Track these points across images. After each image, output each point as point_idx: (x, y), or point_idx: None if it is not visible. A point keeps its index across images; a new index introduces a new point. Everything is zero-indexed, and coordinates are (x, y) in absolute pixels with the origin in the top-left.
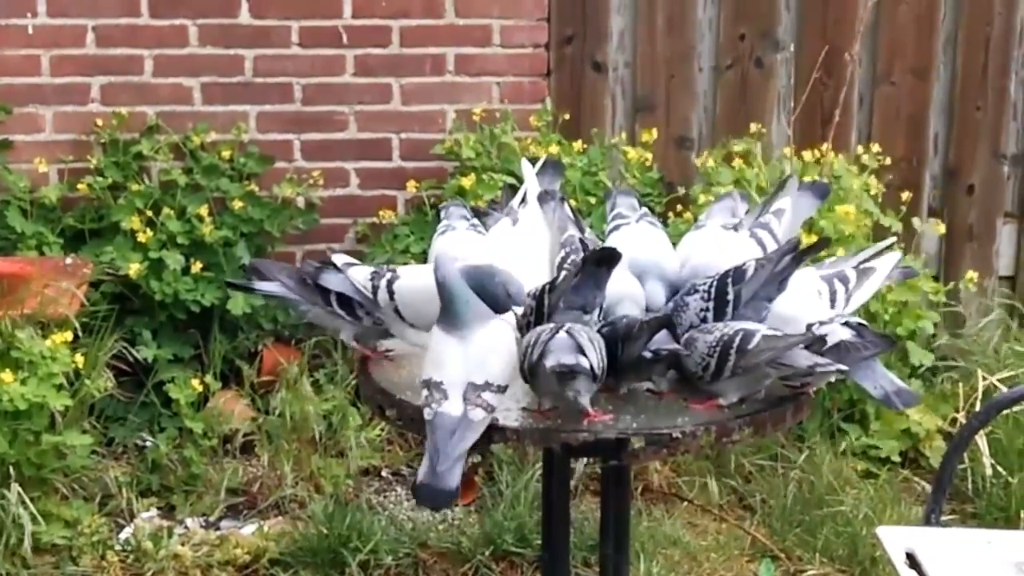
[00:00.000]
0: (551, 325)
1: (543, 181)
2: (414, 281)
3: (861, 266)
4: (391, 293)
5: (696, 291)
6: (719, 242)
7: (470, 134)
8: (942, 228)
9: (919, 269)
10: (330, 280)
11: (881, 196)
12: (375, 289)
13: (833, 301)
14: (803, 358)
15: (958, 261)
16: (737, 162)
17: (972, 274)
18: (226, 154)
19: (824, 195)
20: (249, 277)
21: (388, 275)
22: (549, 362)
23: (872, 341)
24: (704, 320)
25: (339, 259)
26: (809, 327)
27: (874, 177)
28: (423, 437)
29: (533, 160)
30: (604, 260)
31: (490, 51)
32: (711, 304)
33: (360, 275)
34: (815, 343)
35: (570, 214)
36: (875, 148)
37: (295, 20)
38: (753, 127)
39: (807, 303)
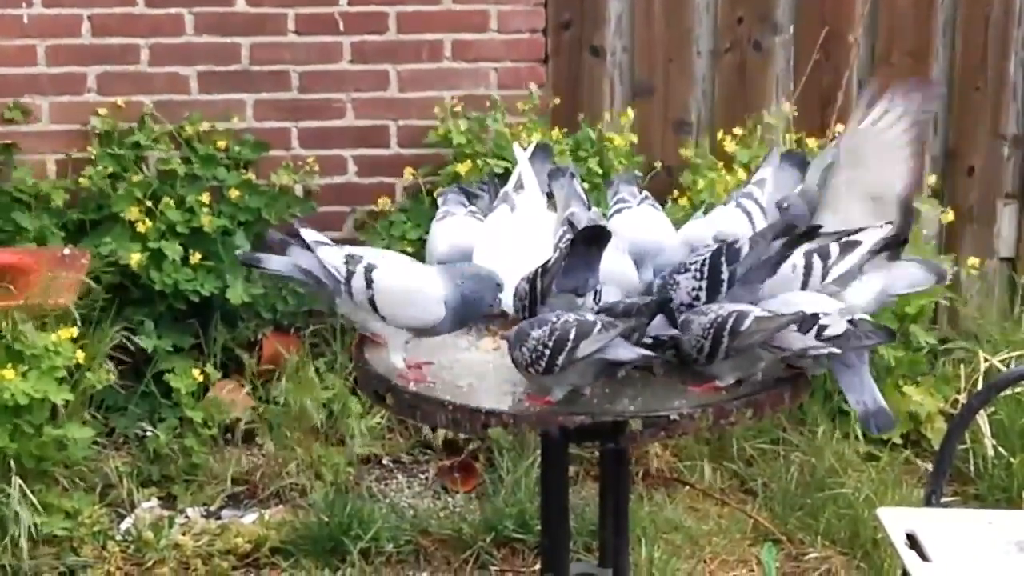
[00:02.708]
0: (587, 318)
1: (534, 165)
2: (395, 281)
3: (845, 240)
4: (369, 282)
5: (687, 270)
6: (708, 216)
7: (460, 121)
8: (950, 215)
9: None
10: (299, 256)
11: None
12: (350, 274)
13: (808, 276)
14: (797, 341)
15: (959, 242)
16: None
17: (973, 260)
18: (221, 143)
19: (803, 164)
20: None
21: (364, 262)
22: (623, 355)
23: (869, 332)
24: (696, 299)
25: (309, 235)
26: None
27: None
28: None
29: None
30: (593, 239)
31: (487, 37)
32: (704, 283)
33: (333, 257)
34: (807, 323)
35: (579, 191)
36: None
37: (291, 7)
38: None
39: (811, 296)
